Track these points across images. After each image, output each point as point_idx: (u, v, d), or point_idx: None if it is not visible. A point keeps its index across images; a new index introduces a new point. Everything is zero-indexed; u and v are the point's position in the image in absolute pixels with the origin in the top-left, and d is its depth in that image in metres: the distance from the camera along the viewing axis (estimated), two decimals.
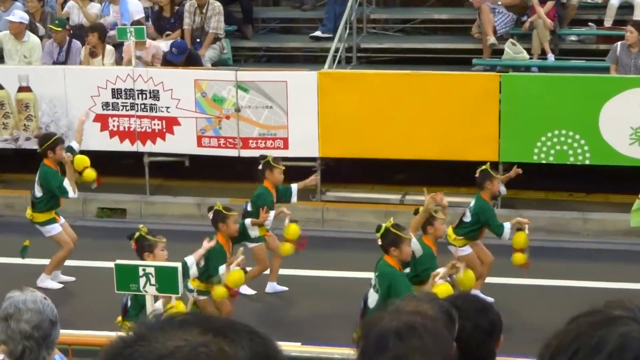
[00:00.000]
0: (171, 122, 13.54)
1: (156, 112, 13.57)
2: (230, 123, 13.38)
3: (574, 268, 11.59)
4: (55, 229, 11.13)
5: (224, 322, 1.53)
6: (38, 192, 11.04)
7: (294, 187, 10.91)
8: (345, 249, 12.41)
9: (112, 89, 13.65)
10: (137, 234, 8.49)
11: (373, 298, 8.25)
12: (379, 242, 8.28)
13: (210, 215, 9.51)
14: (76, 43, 14.45)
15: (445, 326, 3.43)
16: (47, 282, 11.14)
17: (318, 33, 15.65)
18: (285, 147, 13.31)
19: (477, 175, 10.45)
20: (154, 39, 14.74)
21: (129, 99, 13.63)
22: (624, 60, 13.14)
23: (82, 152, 14.22)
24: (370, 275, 11.10)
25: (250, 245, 10.37)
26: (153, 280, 6.81)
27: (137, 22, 14.31)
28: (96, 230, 13.11)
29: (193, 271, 8.83)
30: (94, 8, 15.25)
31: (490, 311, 4.16)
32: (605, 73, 13.24)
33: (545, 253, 11.87)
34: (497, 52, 14.37)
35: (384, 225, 8.30)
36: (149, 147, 13.74)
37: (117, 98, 13.67)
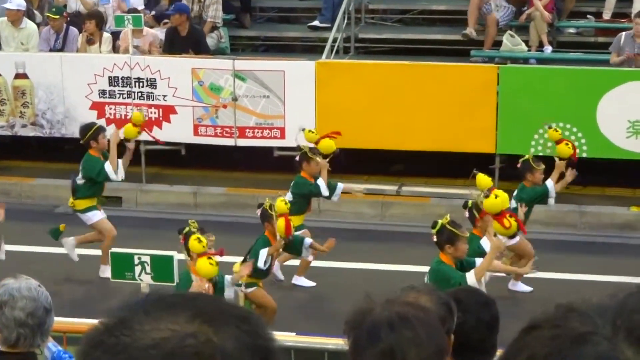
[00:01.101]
0: (168, 111, 13.51)
1: (153, 100, 13.54)
2: (227, 112, 13.36)
3: (570, 261, 11.58)
4: (96, 216, 10.96)
5: (213, 307, 1.45)
6: (79, 180, 10.90)
7: (340, 186, 10.95)
8: (341, 240, 12.37)
9: (109, 76, 13.61)
10: (186, 228, 8.26)
11: None
12: (434, 239, 8.09)
13: (258, 212, 9.41)
14: (73, 30, 14.41)
15: (444, 318, 3.43)
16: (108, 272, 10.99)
17: (316, 23, 15.62)
18: (282, 136, 13.29)
19: (518, 165, 10.47)
20: (151, 27, 14.71)
21: (126, 87, 13.59)
22: (627, 50, 13.11)
23: (78, 140, 14.24)
24: (364, 266, 11.13)
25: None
26: (148, 269, 6.82)
27: (133, 10, 14.28)
28: None
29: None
30: None
31: (492, 305, 4.16)
32: (603, 66, 13.22)
33: (542, 246, 11.85)
34: (496, 44, 14.36)
35: (440, 221, 8.10)
36: (145, 135, 13.69)
37: (114, 86, 13.63)
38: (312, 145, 10.96)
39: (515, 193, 10.42)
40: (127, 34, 13.70)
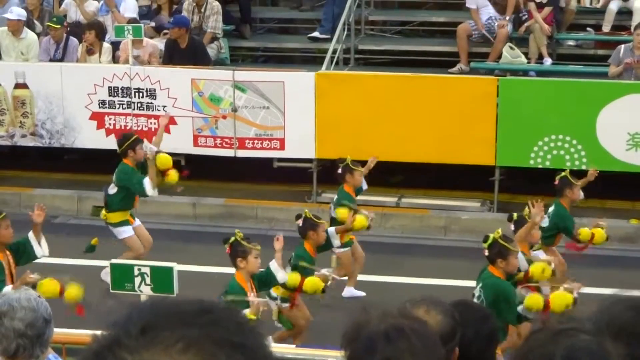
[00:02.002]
0: (168, 122, 13.50)
1: (153, 110, 13.54)
2: (227, 123, 13.36)
3: (569, 273, 11.55)
4: (127, 232, 10.91)
5: (206, 331, 1.43)
6: (111, 190, 10.84)
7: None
8: None
9: (109, 87, 13.62)
10: (232, 238, 8.23)
11: None
12: (486, 253, 8.05)
13: (300, 222, 9.32)
14: (73, 40, 14.42)
15: (454, 330, 3.45)
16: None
17: (316, 34, 15.63)
18: (282, 147, 13.29)
19: (556, 182, 10.35)
20: (151, 38, 14.71)
21: (126, 97, 13.60)
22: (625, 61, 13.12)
23: (77, 150, 14.24)
24: (363, 277, 11.10)
25: (337, 251, 10.27)
26: (148, 280, 6.80)
27: (133, 20, 14.29)
28: (91, 229, 13.05)
29: (281, 275, 8.57)
30: (91, 6, 15.24)
31: (490, 319, 4.17)
32: (603, 78, 13.23)
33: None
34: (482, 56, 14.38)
35: (492, 235, 8.07)
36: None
37: (114, 96, 13.64)
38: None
39: (550, 209, 10.25)
40: (127, 45, 13.70)
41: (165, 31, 14.86)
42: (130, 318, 1.45)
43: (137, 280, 6.79)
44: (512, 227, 9.16)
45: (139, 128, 13.60)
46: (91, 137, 13.72)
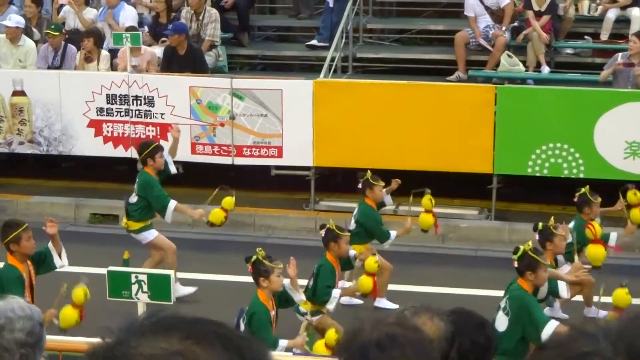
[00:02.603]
0: (165, 129, 13.50)
1: (151, 118, 13.54)
2: (225, 131, 13.36)
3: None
4: (151, 235, 10.89)
5: (208, 329, 1.50)
6: (132, 199, 10.81)
7: (393, 233, 10.63)
8: None
9: (107, 94, 13.62)
10: (254, 257, 8.16)
11: (502, 321, 7.91)
12: (515, 265, 8.02)
13: (322, 233, 9.28)
14: (71, 48, 14.43)
15: (453, 337, 3.46)
16: (180, 289, 10.90)
17: (314, 42, 15.65)
18: (280, 155, 13.29)
19: (575, 199, 10.33)
20: (149, 45, 14.72)
21: (124, 104, 13.60)
22: (622, 72, 13.13)
23: (75, 158, 14.23)
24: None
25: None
26: (145, 288, 6.79)
27: (131, 28, 14.30)
28: (88, 236, 13.06)
29: (297, 297, 8.58)
30: (90, 13, 15.25)
31: (486, 327, 4.17)
32: (601, 87, 13.24)
33: None
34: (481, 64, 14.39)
35: (522, 247, 8.02)
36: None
37: (112, 104, 13.64)
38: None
39: (571, 223, 10.20)
40: (125, 53, 13.71)
41: (163, 39, 14.87)
42: (130, 324, 1.51)
43: (135, 287, 6.79)
44: (537, 237, 9.09)
45: (137, 136, 13.60)
46: (89, 144, 13.71)
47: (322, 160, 13.22)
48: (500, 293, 10.73)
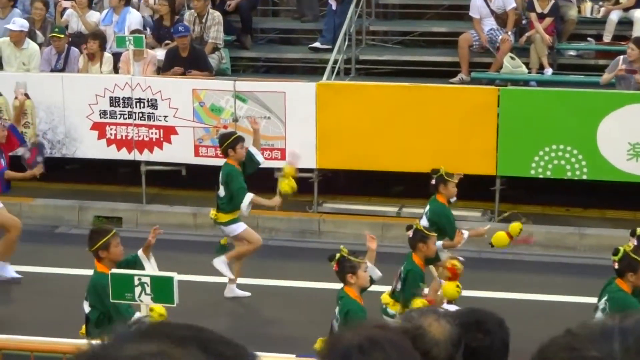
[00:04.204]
0: (169, 131, 13.53)
1: (154, 120, 13.56)
2: None
3: (570, 283, 11.57)
4: (240, 227, 10.96)
5: (191, 334, 1.53)
6: (222, 192, 10.89)
7: (466, 234, 10.50)
8: None
9: (110, 97, 13.64)
10: (338, 255, 8.05)
11: None
12: (615, 266, 7.99)
13: (410, 234, 9.17)
14: (74, 51, 14.46)
15: (459, 340, 3.47)
16: (236, 291, 11.03)
17: (317, 44, 15.65)
18: (283, 157, 13.28)
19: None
20: (152, 48, 14.74)
21: (127, 107, 13.62)
22: (624, 77, 13.13)
23: (79, 160, 14.25)
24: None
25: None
26: (148, 290, 6.80)
27: (136, 32, 14.32)
28: None
29: (376, 273, 8.46)
30: (93, 16, 15.28)
31: (505, 324, 4.19)
32: (603, 88, 13.24)
33: (542, 268, 11.86)
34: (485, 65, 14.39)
35: (622, 248, 8.01)
36: (146, 155, 13.73)
37: (115, 106, 13.66)
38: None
39: None
40: (128, 56, 13.73)
41: (167, 41, 14.89)
42: (119, 331, 1.55)
43: (138, 290, 6.79)
44: (635, 242, 8.98)
45: (140, 138, 13.62)
46: (92, 147, 13.73)
47: (325, 162, 13.23)
48: (504, 295, 10.78)
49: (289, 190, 10.99)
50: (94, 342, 1.53)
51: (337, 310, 8.15)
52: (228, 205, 10.87)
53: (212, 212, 11.07)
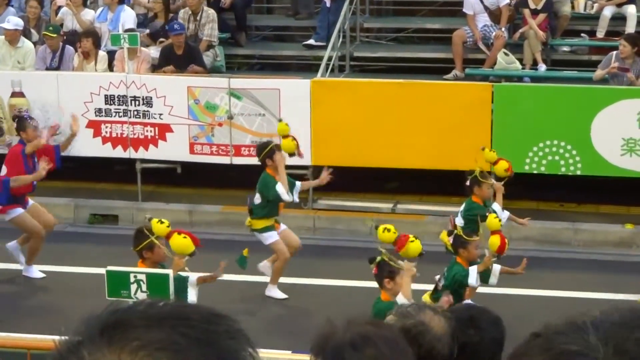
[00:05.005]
0: (164, 129, 13.55)
1: (149, 118, 13.58)
2: (223, 130, 13.39)
3: (564, 278, 11.61)
4: (272, 237, 10.91)
5: (164, 336, 1.43)
6: (256, 200, 10.86)
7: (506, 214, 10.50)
8: (336, 257, 12.42)
9: (105, 95, 13.65)
10: (379, 258, 7.78)
11: None
12: None
13: (450, 240, 9.14)
14: (69, 49, 14.47)
15: (453, 334, 3.51)
16: (274, 292, 11.04)
17: (311, 41, 15.68)
18: None
19: None
20: (147, 46, 14.76)
21: (122, 105, 13.64)
22: (617, 74, 13.16)
23: (74, 158, 14.25)
24: (357, 283, 11.12)
25: None
26: (144, 287, 6.83)
27: (131, 30, 14.33)
28: (88, 237, 13.10)
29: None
30: (88, 14, 15.29)
31: (500, 323, 4.21)
32: (597, 84, 13.28)
33: (536, 263, 11.88)
34: (479, 62, 14.42)
35: None
36: (141, 153, 13.75)
37: (110, 104, 13.67)
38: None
39: None
40: (122, 55, 13.75)
41: (161, 39, 14.91)
42: (90, 321, 1.46)
43: (134, 287, 6.82)
44: None
45: (135, 136, 13.64)
46: (88, 145, 13.74)
47: (320, 159, 13.25)
48: (500, 290, 10.80)
49: (293, 147, 11.04)
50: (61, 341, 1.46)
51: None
52: (262, 211, 10.85)
53: (248, 220, 11.01)
